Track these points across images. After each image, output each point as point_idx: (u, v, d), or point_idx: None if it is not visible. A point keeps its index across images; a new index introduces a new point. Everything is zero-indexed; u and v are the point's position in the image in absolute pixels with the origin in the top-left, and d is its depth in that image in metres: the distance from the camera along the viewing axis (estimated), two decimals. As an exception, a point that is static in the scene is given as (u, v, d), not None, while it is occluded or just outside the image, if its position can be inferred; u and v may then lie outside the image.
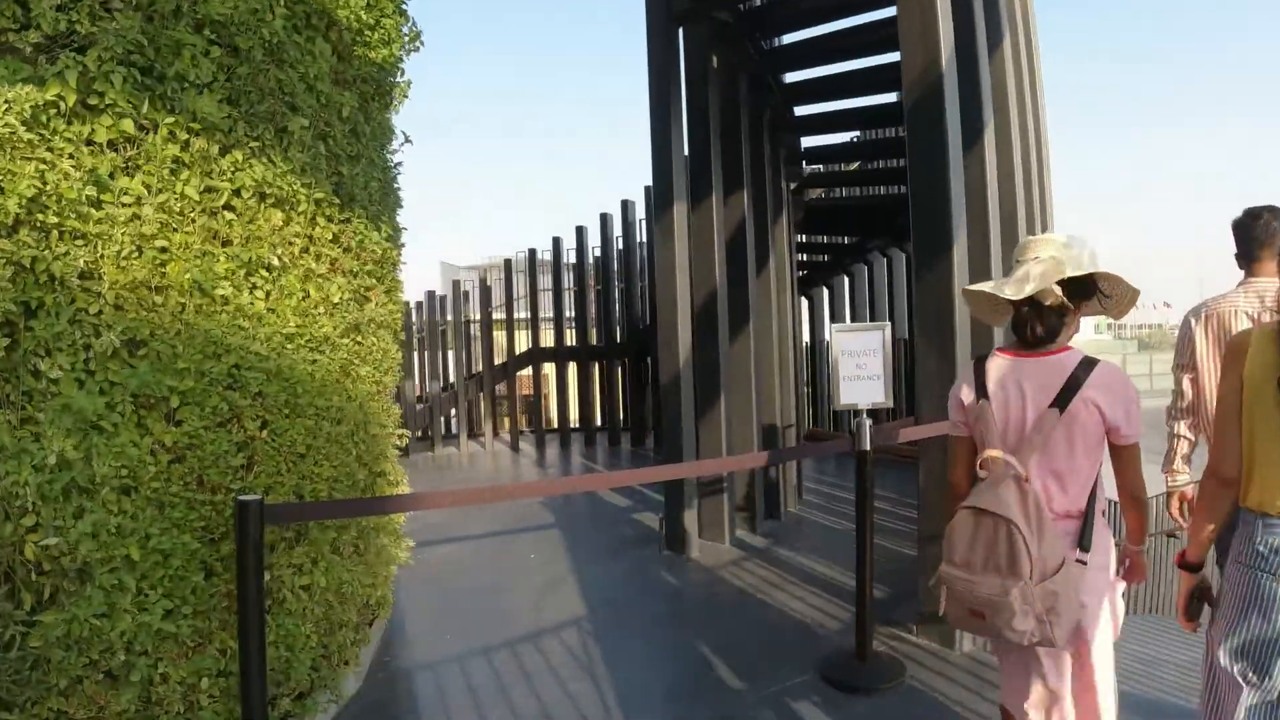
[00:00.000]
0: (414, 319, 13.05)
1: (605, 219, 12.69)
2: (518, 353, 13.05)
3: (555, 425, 13.73)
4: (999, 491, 2.04)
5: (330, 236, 3.62)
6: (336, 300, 3.61)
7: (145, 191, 2.79)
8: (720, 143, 6.51)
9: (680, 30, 6.34)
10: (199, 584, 2.89)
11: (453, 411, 13.07)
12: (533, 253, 13.11)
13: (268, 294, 3.19)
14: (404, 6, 4.47)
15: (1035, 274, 2.08)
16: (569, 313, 13.28)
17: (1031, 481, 2.08)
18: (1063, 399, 2.06)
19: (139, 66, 2.77)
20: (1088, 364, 2.08)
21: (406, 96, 4.73)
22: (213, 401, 2.89)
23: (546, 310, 13.53)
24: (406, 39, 4.41)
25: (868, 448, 3.64)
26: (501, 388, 13.26)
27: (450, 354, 13.18)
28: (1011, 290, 2.10)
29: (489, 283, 13.17)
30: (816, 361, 12.52)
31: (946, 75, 3.94)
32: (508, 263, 13.26)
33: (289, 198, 3.31)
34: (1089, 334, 51.89)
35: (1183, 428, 3.22)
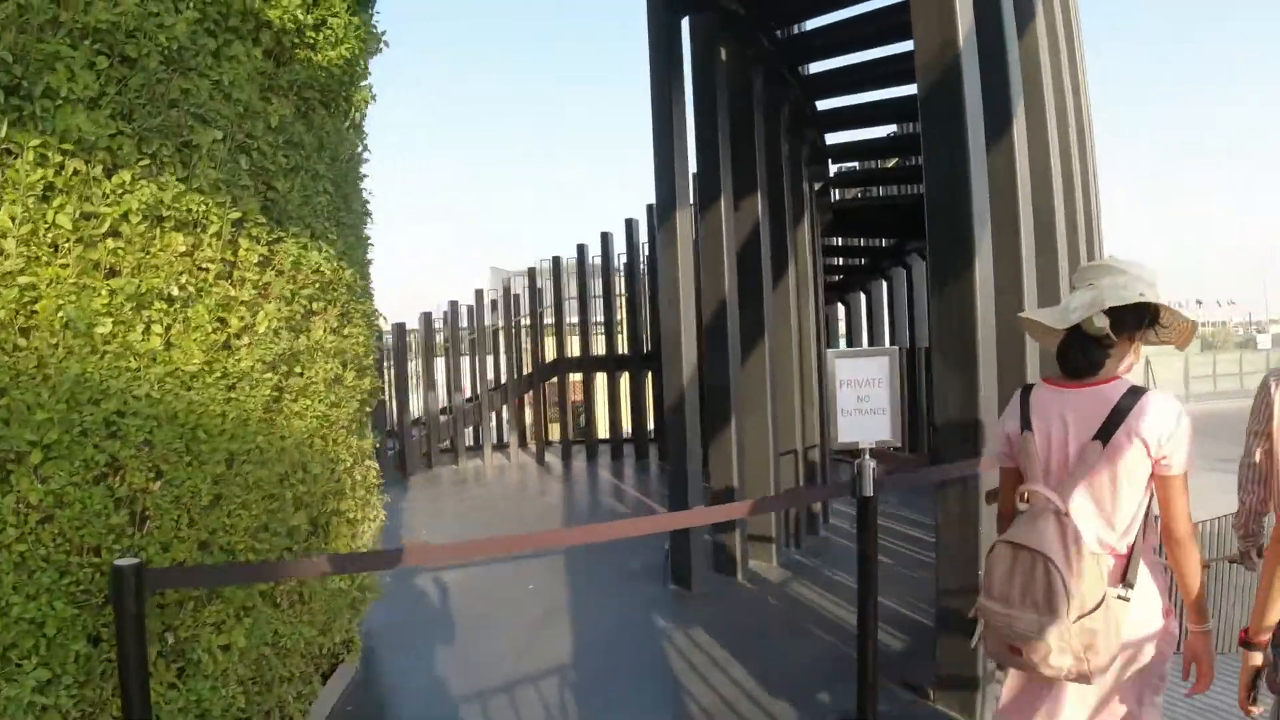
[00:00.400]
0: (442, 327, 12.79)
1: (631, 224, 12.25)
2: (545, 362, 12.71)
3: (582, 437, 13.34)
4: (1037, 526, 1.98)
5: (257, 259, 3.25)
6: (263, 329, 3.24)
7: (10, 223, 2.45)
8: (731, 142, 6.03)
9: (686, 21, 5.88)
10: (82, 651, 2.55)
11: (490, 419, 12.78)
12: (556, 260, 12.75)
13: (167, 328, 2.82)
14: (361, 4, 4.11)
15: (1080, 303, 2.04)
16: (598, 318, 12.89)
17: (1074, 516, 2.00)
18: (1106, 431, 1.99)
19: (1, 86, 2.42)
20: (1134, 394, 2.00)
21: (370, 101, 4.36)
22: (85, 454, 2.53)
23: (577, 318, 13.13)
24: (362, 39, 4.02)
25: (870, 493, 3.13)
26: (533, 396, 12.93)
27: (476, 361, 12.87)
28: (1052, 318, 2.09)
29: (514, 291, 12.84)
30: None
31: (965, 57, 3.40)
32: (531, 271, 12.89)
33: (197, 219, 2.94)
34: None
35: (1253, 502, 2.68)
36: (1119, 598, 1.97)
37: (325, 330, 3.78)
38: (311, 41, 3.82)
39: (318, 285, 3.65)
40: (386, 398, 12.38)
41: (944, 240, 3.41)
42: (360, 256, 4.24)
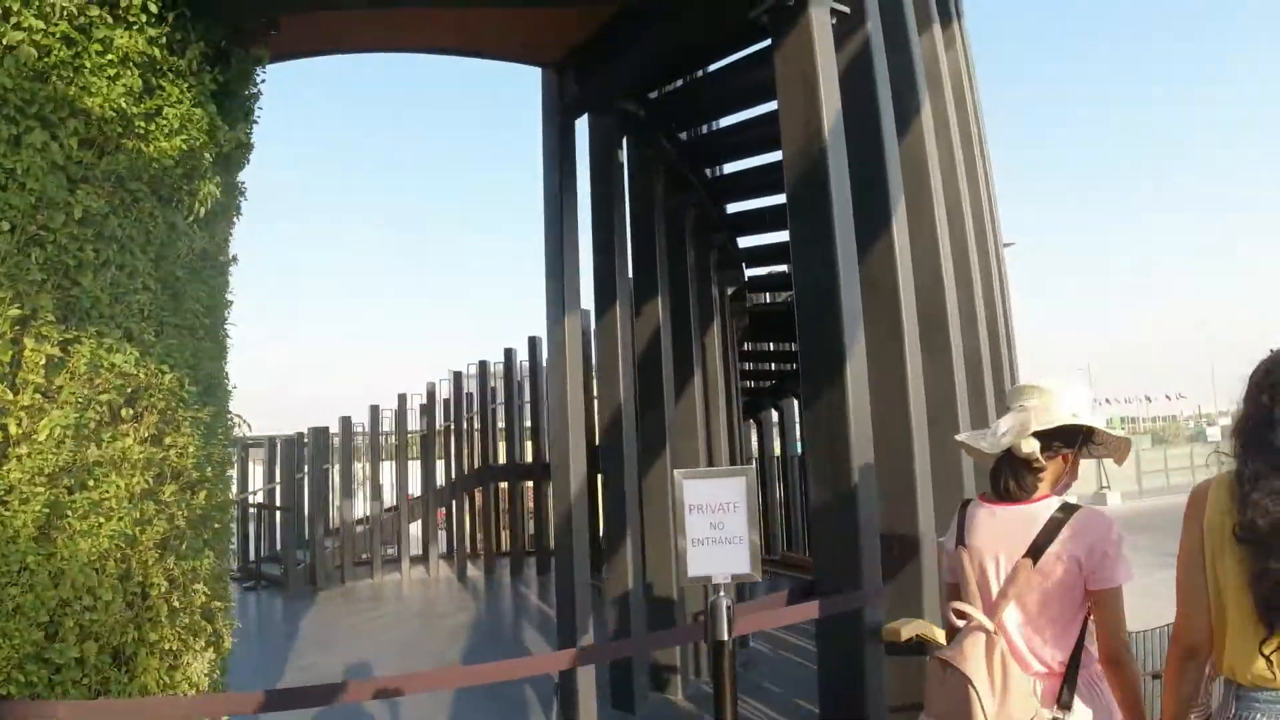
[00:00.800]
0: (363, 430, 12.28)
1: (534, 343, 12.14)
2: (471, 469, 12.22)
3: (507, 549, 12.74)
4: (964, 645, 1.99)
5: (43, 360, 2.88)
6: (44, 437, 2.83)
7: None
8: (633, 246, 5.85)
9: (588, 120, 5.78)
10: None
11: (411, 530, 12.16)
12: (483, 364, 12.44)
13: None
14: (210, 93, 3.89)
15: (1008, 426, 2.07)
16: (528, 423, 12.51)
17: (1008, 635, 2.00)
18: (1036, 549, 1.98)
19: None
20: (1065, 511, 2.00)
21: (216, 194, 4.08)
22: None
23: (503, 423, 12.74)
24: (205, 130, 3.78)
25: (725, 636, 2.74)
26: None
27: (395, 468, 12.31)
28: (987, 444, 2.12)
29: (439, 395, 12.42)
30: (789, 477, 11.58)
31: (832, 152, 3.24)
32: (457, 374, 12.55)
33: (-38, 316, 2.57)
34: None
35: None
36: (1053, 719, 1.93)
37: (135, 439, 3.38)
38: (142, 131, 3.58)
39: (126, 389, 3.26)
40: (296, 506, 11.75)
41: (812, 341, 3.15)
42: (191, 359, 3.87)
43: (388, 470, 12.59)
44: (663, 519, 5.57)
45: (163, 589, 3.60)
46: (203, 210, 3.99)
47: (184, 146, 3.78)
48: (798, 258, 3.28)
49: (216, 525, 4.04)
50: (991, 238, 5.81)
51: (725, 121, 6.38)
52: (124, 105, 3.37)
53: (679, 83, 5.84)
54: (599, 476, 6.35)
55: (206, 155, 3.97)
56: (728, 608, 2.77)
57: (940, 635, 3.04)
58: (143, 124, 3.54)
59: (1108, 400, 57.59)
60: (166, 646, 3.63)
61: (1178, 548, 1.88)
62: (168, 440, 3.61)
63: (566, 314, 5.17)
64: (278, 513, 12.36)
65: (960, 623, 2.06)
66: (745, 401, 9.97)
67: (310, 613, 9.79)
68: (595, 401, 6.85)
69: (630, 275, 5.88)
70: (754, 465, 9.56)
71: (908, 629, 3.02)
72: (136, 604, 3.36)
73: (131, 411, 3.37)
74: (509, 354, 12.62)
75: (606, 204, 5.62)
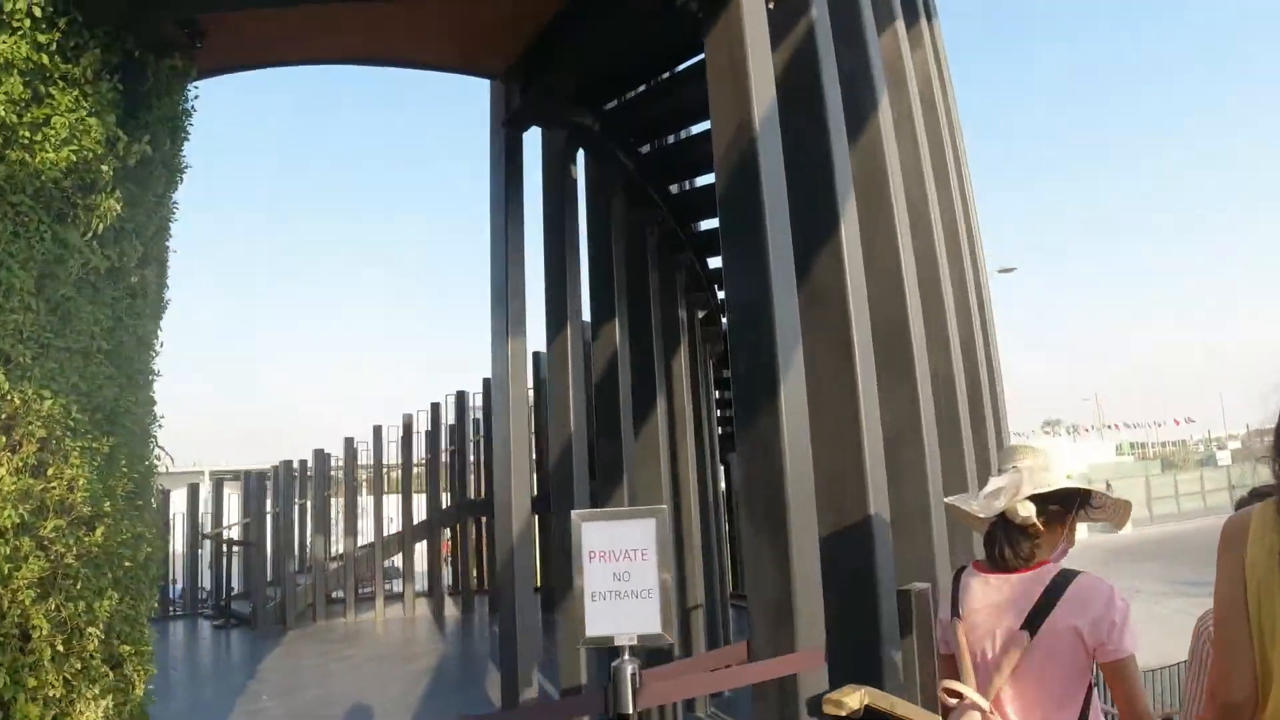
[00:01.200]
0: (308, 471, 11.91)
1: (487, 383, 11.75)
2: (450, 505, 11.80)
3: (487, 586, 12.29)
4: None
5: None
6: None
7: None
8: (590, 266, 5.49)
9: (541, 136, 5.46)
10: None
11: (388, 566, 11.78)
12: (461, 395, 12.06)
13: None
14: (111, 102, 3.62)
15: (1001, 489, 1.97)
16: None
17: (1004, 714, 1.91)
18: (1033, 621, 1.88)
19: None
20: (1064, 579, 1.89)
21: (117, 210, 3.76)
22: None
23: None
24: (101, 141, 3.50)
25: (630, 709, 2.32)
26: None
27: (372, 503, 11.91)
28: (978, 507, 2.00)
29: (417, 428, 12.04)
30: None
31: (763, 145, 2.85)
32: (435, 406, 12.15)
33: None
34: (1110, 456, 49.59)
35: None
36: None
37: (8, 469, 3.04)
38: (26, 141, 3.29)
39: (-1, 415, 2.90)
40: (260, 542, 11.38)
41: (743, 366, 2.75)
42: (82, 383, 3.54)
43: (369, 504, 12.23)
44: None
45: (44, 631, 3.26)
46: (101, 226, 3.68)
47: (74, 158, 3.53)
48: (728, 266, 2.90)
49: (127, 563, 3.72)
50: (969, 249, 5.41)
51: (692, 132, 6.04)
52: (3, 113, 3.09)
53: (636, 92, 5.51)
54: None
55: (104, 168, 3.69)
56: (632, 675, 2.35)
57: (897, 706, 2.63)
58: (27, 134, 3.30)
59: (1116, 426, 56.94)
60: (50, 693, 3.29)
61: (1213, 587, 1.62)
62: (51, 471, 3.28)
63: (510, 339, 4.79)
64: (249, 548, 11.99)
65: (953, 701, 1.98)
66: (725, 433, 9.51)
67: (273, 653, 9.41)
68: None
69: (585, 297, 5.51)
70: (720, 500, 9.07)
71: (854, 697, 2.59)
72: (11, 647, 3.06)
73: (4, 440, 3.04)
74: (487, 384, 12.24)
75: (558, 222, 5.26)
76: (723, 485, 9.80)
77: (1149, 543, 22.13)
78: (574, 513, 2.39)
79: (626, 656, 2.37)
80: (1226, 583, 1.58)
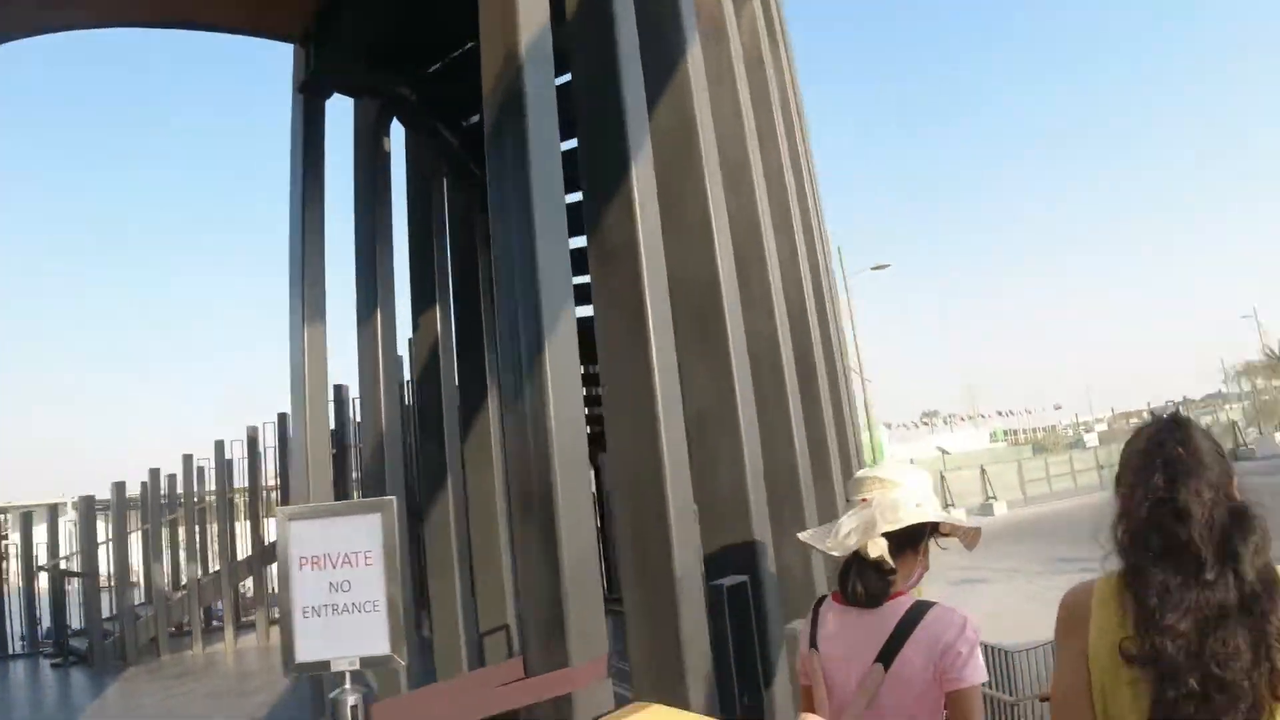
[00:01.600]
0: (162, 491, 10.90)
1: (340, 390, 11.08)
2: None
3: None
4: None
5: None
6: None
7: None
8: (410, 250, 5.01)
9: (354, 107, 4.94)
10: None
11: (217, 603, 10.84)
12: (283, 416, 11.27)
13: None
14: None
15: (852, 526, 1.94)
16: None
17: None
18: (887, 654, 1.84)
19: None
20: (917, 612, 1.85)
21: None
22: None
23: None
24: None
25: (357, 756, 1.88)
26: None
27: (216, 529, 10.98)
28: (832, 544, 1.95)
29: (263, 445, 11.17)
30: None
31: (530, 77, 2.47)
32: (250, 430, 11.23)
33: None
34: (984, 443, 51.88)
35: None
36: None
37: None
38: None
39: None
40: (93, 572, 10.34)
41: (509, 330, 2.35)
42: None
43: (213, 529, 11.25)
44: (446, 567, 4.69)
45: None
46: None
47: None
48: (494, 211, 2.50)
49: None
50: (803, 219, 5.15)
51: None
52: None
53: (452, 56, 5.05)
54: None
55: None
56: (354, 708, 1.91)
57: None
58: None
59: (989, 415, 59.74)
60: None
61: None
62: None
63: (307, 326, 4.26)
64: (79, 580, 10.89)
65: None
66: (595, 433, 9.02)
67: (107, 692, 8.51)
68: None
69: (411, 285, 5.04)
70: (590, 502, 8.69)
71: (639, 717, 2.23)
72: None
73: None
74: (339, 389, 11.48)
75: (369, 201, 4.75)
76: (593, 488, 9.40)
77: (1025, 522, 23.00)
78: (280, 509, 1.95)
79: (348, 685, 1.94)
80: (1069, 674, 1.50)
